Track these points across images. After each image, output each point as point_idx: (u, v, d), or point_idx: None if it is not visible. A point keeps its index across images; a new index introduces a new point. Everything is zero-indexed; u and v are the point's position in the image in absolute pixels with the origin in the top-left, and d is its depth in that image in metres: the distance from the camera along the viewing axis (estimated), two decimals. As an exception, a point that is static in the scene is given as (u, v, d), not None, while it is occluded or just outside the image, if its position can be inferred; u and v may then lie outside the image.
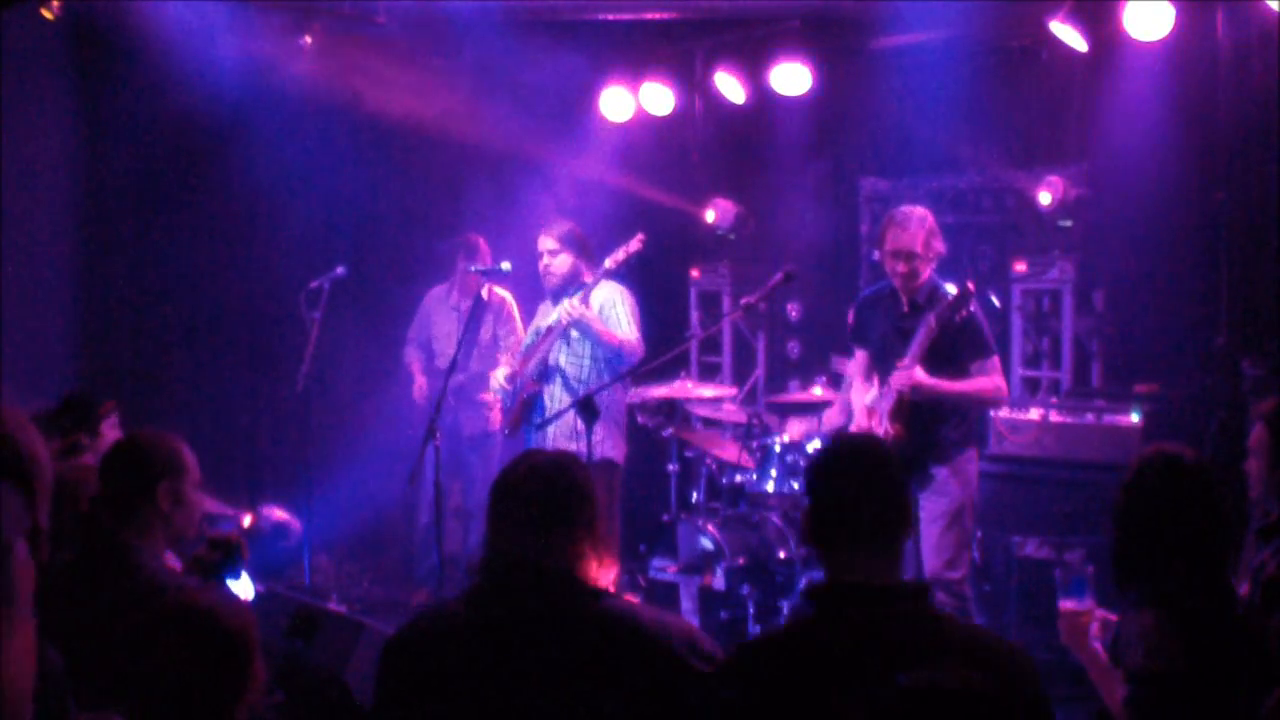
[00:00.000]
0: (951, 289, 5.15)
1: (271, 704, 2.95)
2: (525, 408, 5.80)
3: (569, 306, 5.52)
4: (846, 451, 2.62)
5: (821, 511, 2.49)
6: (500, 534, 2.64)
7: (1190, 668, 2.78)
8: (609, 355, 5.65)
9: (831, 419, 6.45)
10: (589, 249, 5.76)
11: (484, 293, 7.02)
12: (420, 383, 7.10)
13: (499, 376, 5.90)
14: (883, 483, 2.49)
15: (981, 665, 2.25)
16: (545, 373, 5.77)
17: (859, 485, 2.46)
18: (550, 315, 5.79)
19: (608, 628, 2.56)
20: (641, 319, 5.73)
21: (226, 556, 3.37)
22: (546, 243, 5.74)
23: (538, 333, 5.89)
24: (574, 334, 5.66)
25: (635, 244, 5.50)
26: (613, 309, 5.66)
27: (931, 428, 5.09)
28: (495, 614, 2.58)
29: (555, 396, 5.74)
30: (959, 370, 5.05)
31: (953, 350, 5.00)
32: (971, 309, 4.95)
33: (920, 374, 4.92)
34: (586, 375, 5.69)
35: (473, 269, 5.67)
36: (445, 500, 6.43)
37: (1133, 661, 2.85)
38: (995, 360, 5.15)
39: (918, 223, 5.10)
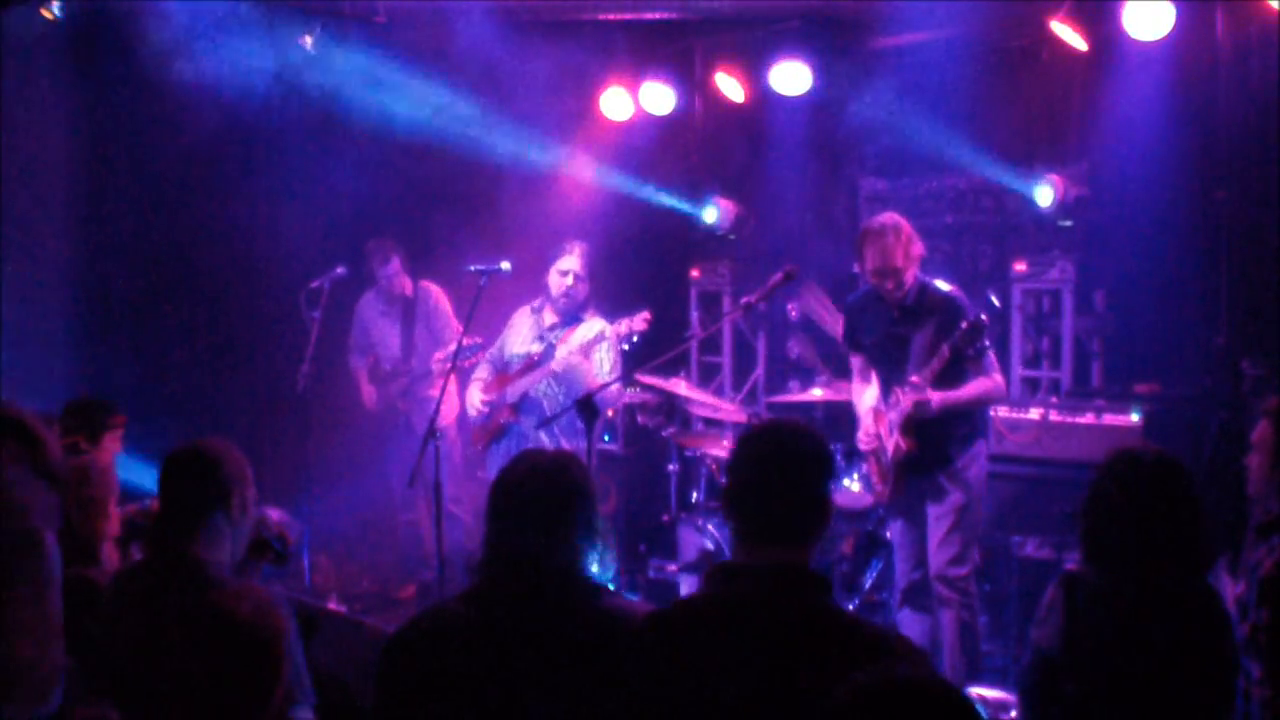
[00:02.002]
0: (944, 286, 5.14)
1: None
2: (498, 432, 5.84)
3: (567, 357, 5.60)
4: (761, 447, 2.62)
5: (734, 493, 2.54)
6: (501, 533, 2.64)
7: (1066, 648, 2.82)
8: None
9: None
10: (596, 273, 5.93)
11: (409, 290, 7.07)
12: (369, 391, 7.16)
13: (474, 398, 5.95)
14: (796, 473, 2.51)
15: (866, 661, 2.25)
16: (523, 404, 5.82)
17: (772, 473, 2.50)
18: (533, 343, 5.86)
19: (607, 626, 2.56)
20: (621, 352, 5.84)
21: (279, 550, 3.42)
22: (572, 263, 5.80)
23: (523, 356, 5.92)
24: (558, 371, 5.73)
25: (640, 323, 5.56)
26: (599, 348, 5.75)
27: (940, 434, 5.09)
28: (495, 613, 2.59)
29: (531, 427, 5.79)
30: (959, 375, 5.04)
31: (956, 362, 5.00)
32: (986, 343, 4.96)
33: (933, 395, 4.92)
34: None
35: (472, 268, 5.67)
36: (423, 498, 6.48)
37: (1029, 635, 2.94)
38: (991, 357, 5.15)
39: (894, 236, 5.04)
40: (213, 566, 3.08)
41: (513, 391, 5.82)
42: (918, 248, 5.12)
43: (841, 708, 1.76)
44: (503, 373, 6.00)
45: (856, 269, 5.32)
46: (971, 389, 5.04)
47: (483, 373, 6.07)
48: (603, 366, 5.75)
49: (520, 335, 6.00)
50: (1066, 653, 2.85)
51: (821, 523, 2.51)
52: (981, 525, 5.40)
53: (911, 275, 5.12)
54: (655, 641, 2.49)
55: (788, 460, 2.53)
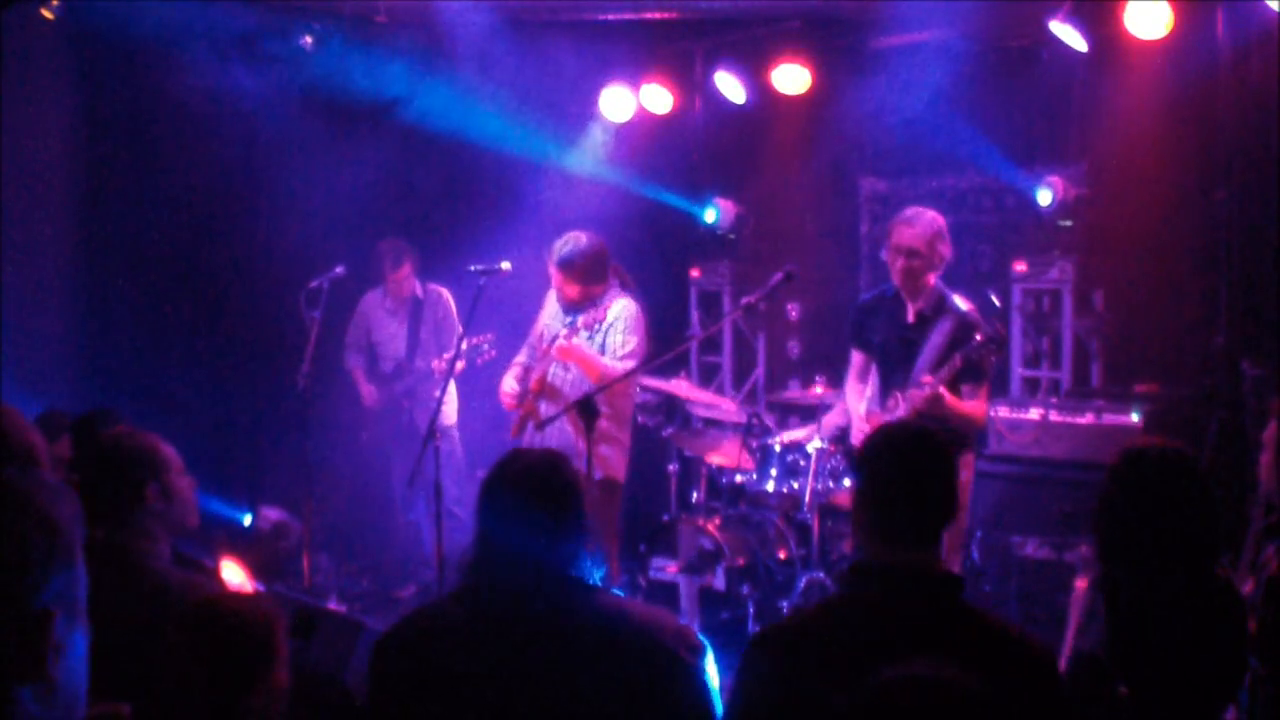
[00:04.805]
0: (962, 304, 5.13)
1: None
2: (524, 421, 5.80)
3: (559, 345, 5.49)
4: (897, 437, 2.63)
5: (868, 495, 2.53)
6: (494, 532, 2.64)
7: (1115, 650, 2.82)
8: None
9: (833, 420, 6.46)
10: (599, 267, 5.58)
11: (419, 291, 7.06)
12: (368, 390, 7.15)
13: (508, 384, 5.86)
14: (930, 470, 2.52)
15: (996, 664, 2.26)
16: (543, 390, 5.76)
17: (906, 471, 2.50)
18: (558, 320, 5.76)
19: (600, 623, 2.57)
20: (645, 330, 5.64)
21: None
22: (553, 270, 5.65)
23: (550, 340, 5.87)
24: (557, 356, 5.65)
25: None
26: (613, 327, 5.54)
27: None
28: (488, 612, 2.59)
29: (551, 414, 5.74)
30: (956, 392, 5.04)
31: (963, 373, 5.00)
32: (994, 360, 4.98)
33: (947, 396, 4.92)
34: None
35: (472, 268, 5.64)
36: (423, 498, 6.46)
37: (1072, 639, 2.92)
38: (987, 388, 5.17)
39: (927, 223, 5.09)
40: (142, 555, 3.10)
41: (533, 378, 5.76)
42: (944, 248, 5.13)
43: (865, 703, 1.76)
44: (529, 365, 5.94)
45: (883, 254, 5.29)
46: (968, 407, 5.05)
47: (521, 357, 5.96)
48: (615, 339, 5.51)
49: (548, 317, 5.90)
50: (1117, 655, 2.85)
51: (951, 520, 2.52)
52: (966, 531, 5.40)
53: (932, 276, 5.12)
54: (790, 645, 2.47)
55: (927, 459, 2.54)
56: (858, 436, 5.33)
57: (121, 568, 3.06)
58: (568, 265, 5.54)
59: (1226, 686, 2.93)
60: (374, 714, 2.67)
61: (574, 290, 5.59)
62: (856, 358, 5.49)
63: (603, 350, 5.52)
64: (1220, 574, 2.98)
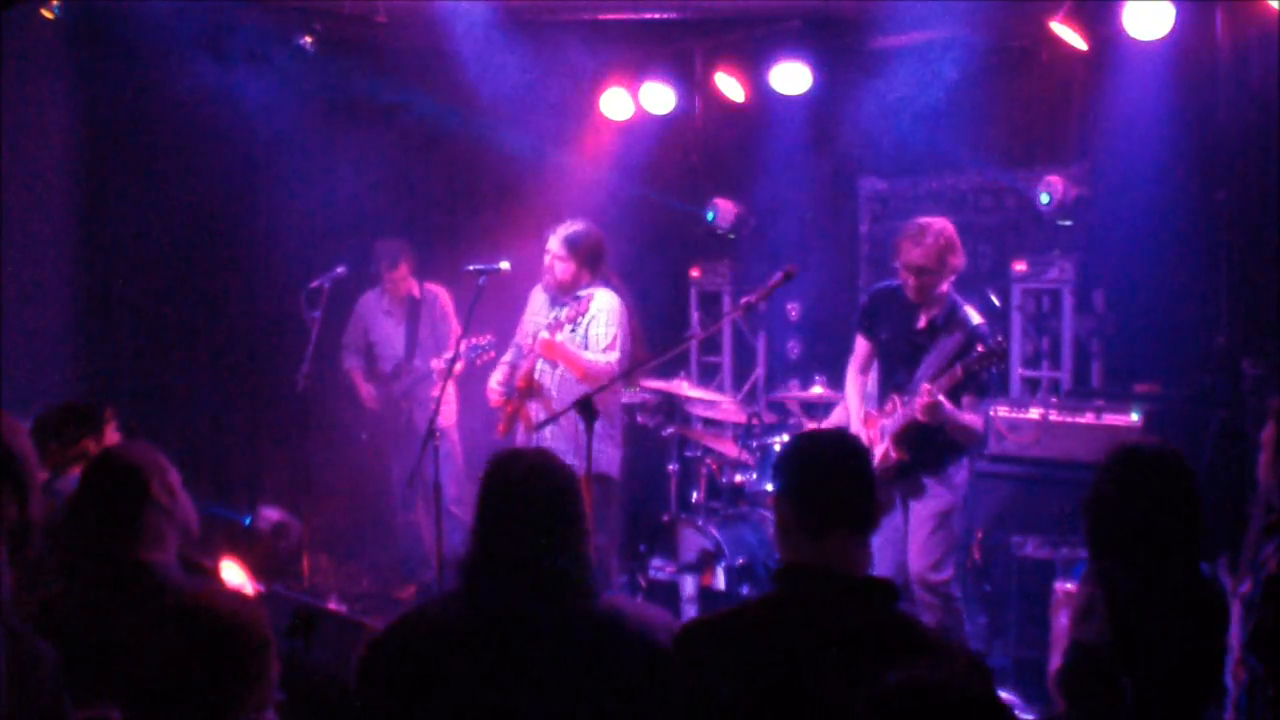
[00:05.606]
0: (975, 317, 5.11)
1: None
2: (512, 419, 5.81)
3: (542, 339, 5.49)
4: (819, 442, 2.70)
5: (793, 500, 2.55)
6: (496, 533, 2.63)
7: (1116, 642, 2.83)
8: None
9: (837, 419, 6.45)
10: (596, 256, 5.67)
11: (416, 291, 7.06)
12: (367, 390, 7.15)
13: (494, 380, 5.88)
14: (852, 475, 2.56)
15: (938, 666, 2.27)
16: (529, 388, 5.77)
17: (830, 476, 2.54)
18: (543, 317, 5.76)
19: (595, 623, 2.57)
20: (628, 325, 5.67)
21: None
22: (555, 245, 5.67)
23: (524, 341, 5.87)
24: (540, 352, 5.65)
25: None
26: (595, 319, 5.58)
27: (931, 447, 5.09)
28: (485, 612, 2.58)
29: (539, 412, 5.74)
30: (956, 403, 5.03)
31: (960, 386, 4.99)
32: (994, 372, 5.00)
33: (946, 404, 4.91)
34: (568, 393, 5.64)
35: (470, 268, 5.65)
36: (423, 498, 6.46)
37: (1070, 633, 2.94)
38: (988, 401, 5.16)
39: (934, 238, 5.01)
40: (165, 569, 3.08)
41: (519, 375, 5.76)
42: (956, 259, 5.07)
43: (869, 708, 1.77)
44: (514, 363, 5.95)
45: (896, 264, 5.27)
46: (967, 418, 5.04)
47: (508, 356, 5.97)
48: (598, 335, 5.57)
49: (532, 314, 5.92)
50: (1118, 647, 2.86)
51: (878, 511, 2.58)
52: (962, 534, 5.39)
53: (943, 285, 5.09)
54: (718, 642, 2.49)
55: (848, 451, 2.61)
56: None
57: (145, 586, 3.03)
58: (572, 244, 5.62)
59: (1216, 680, 2.95)
60: (362, 714, 2.67)
61: (568, 272, 5.64)
62: (861, 345, 5.45)
63: (586, 343, 5.55)
64: (1203, 569, 3.00)
